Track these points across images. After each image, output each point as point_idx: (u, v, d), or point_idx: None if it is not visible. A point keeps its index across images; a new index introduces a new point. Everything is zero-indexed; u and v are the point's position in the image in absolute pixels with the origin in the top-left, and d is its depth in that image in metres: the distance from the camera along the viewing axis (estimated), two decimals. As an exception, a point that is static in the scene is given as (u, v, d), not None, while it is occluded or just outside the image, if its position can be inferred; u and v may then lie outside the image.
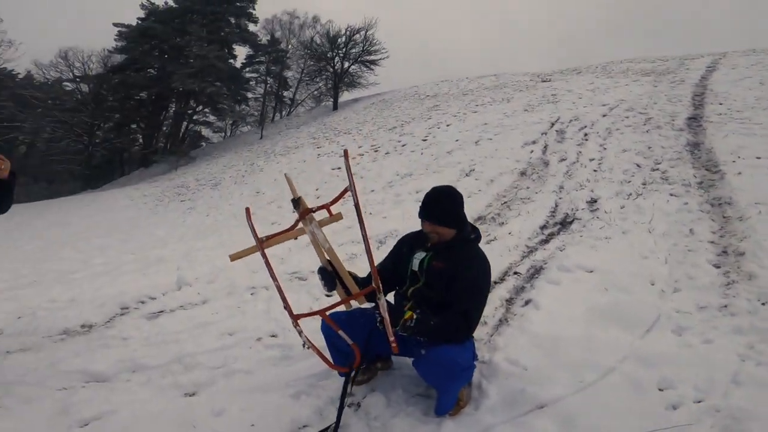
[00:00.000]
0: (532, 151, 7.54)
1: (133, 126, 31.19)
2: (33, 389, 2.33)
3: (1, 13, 20.12)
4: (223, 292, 3.82)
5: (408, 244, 2.30)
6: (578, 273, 3.36)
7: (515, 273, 3.57)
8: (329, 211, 2.09)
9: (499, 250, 4.09)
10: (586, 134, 7.93)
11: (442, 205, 2.13)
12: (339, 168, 10.40)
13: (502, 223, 4.99)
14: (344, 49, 27.41)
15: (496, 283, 3.40)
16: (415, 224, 2.27)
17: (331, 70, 27.69)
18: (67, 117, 28.17)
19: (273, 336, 2.93)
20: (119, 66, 29.00)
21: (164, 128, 31.33)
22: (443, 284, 2.08)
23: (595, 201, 5.13)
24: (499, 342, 2.50)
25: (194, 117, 31.25)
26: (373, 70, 28.62)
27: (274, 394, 2.22)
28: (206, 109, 30.59)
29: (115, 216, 12.24)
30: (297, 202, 2.04)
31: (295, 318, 1.97)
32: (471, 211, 5.53)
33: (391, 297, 2.23)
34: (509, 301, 3.10)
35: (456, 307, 2.00)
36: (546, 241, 4.26)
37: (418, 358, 2.01)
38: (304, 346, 2.07)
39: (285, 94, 34.77)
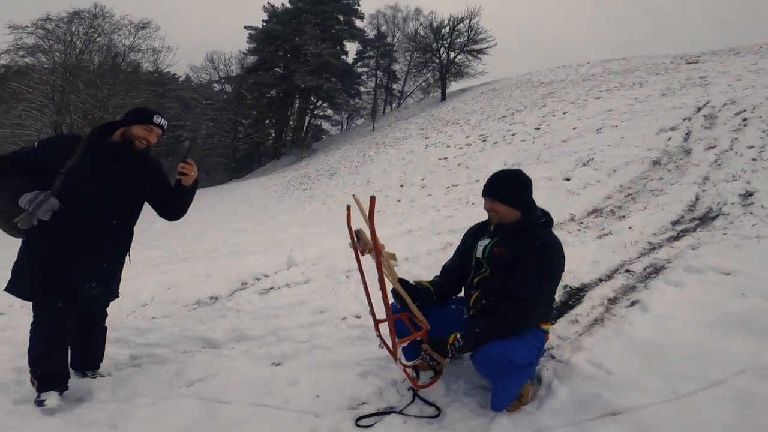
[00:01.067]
0: (669, 139, 6.52)
1: (267, 122, 34.81)
2: (164, 351, 2.72)
3: (153, 20, 23.13)
4: (323, 273, 4.00)
5: (473, 233, 2.19)
6: (710, 275, 2.82)
7: (627, 271, 3.15)
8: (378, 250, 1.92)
9: (612, 246, 3.67)
10: (744, 119, 6.60)
11: (504, 182, 2.00)
12: (446, 158, 10.25)
13: (622, 216, 4.39)
14: (449, 40, 26.87)
15: (602, 280, 3.11)
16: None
17: (437, 61, 27.35)
18: (217, 115, 32.59)
19: (357, 317, 3.02)
20: (253, 66, 32.42)
21: (291, 123, 34.44)
22: (505, 271, 1.92)
23: (751, 194, 4.23)
24: (586, 342, 2.24)
25: (315, 112, 33.77)
26: (480, 59, 27.68)
27: (345, 371, 2.29)
28: (324, 104, 32.80)
29: (251, 203, 13.71)
30: (358, 235, 1.94)
31: (376, 323, 2.09)
32: (585, 203, 5.02)
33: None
34: (612, 301, 2.77)
35: (514, 295, 1.85)
36: (676, 238, 3.66)
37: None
38: (379, 347, 2.13)
39: (394, 86, 35.52)
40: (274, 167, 27.06)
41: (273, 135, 35.10)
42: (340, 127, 37.45)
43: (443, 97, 26.14)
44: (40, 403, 2.01)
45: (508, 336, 1.82)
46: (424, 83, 31.91)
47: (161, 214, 2.21)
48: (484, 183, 2.06)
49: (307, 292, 3.60)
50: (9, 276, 2.00)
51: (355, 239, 1.92)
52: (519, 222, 1.97)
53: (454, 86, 28.38)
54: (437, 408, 1.97)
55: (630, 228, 3.97)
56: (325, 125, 36.70)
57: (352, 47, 33.81)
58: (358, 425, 1.88)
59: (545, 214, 2.04)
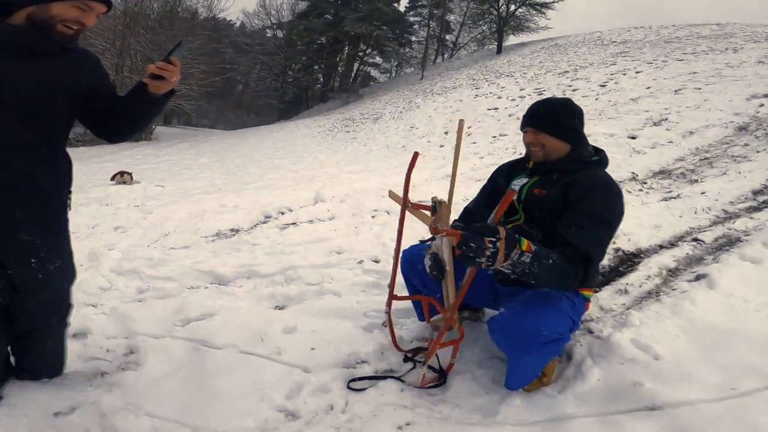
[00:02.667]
0: (761, 105, 5.53)
1: (316, 67, 34.31)
2: (172, 285, 2.48)
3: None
4: (349, 211, 3.71)
5: (505, 172, 1.77)
6: (796, 252, 2.23)
7: (695, 240, 2.61)
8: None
9: (679, 210, 3.10)
10: None
11: (552, 110, 1.59)
12: (495, 108, 9.47)
13: (695, 180, 3.74)
14: (509, -9, 24.14)
15: (662, 247, 2.60)
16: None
17: (495, 13, 24.89)
18: (268, 59, 33.03)
19: (375, 261, 2.70)
20: (303, 12, 31.74)
21: (339, 69, 33.68)
22: (546, 218, 1.49)
23: None
24: (635, 318, 1.80)
25: (364, 59, 32.76)
26: (544, 13, 24.78)
27: (349, 322, 2.01)
28: (374, 52, 31.62)
29: (294, 142, 13.60)
30: (436, 206, 1.42)
31: (391, 299, 1.72)
32: (652, 162, 4.37)
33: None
34: (672, 272, 2.28)
35: (567, 244, 1.37)
36: (757, 209, 3.04)
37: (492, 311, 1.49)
38: (383, 324, 1.87)
39: (447, 37, 33.05)
40: (320, 110, 26.78)
41: (321, 80, 34.65)
42: (388, 74, 36.18)
43: (499, 50, 23.96)
44: None
45: (566, 289, 1.43)
46: (479, 35, 29.50)
47: (97, 132, 1.45)
48: (524, 113, 1.65)
49: (329, 229, 3.30)
50: None
51: (433, 208, 1.42)
52: (568, 157, 1.58)
53: (512, 40, 25.94)
54: (443, 375, 1.66)
55: (703, 193, 3.33)
56: (374, 72, 35.74)
57: (405, -5, 31.82)
58: (349, 388, 1.61)
59: (598, 152, 1.65)
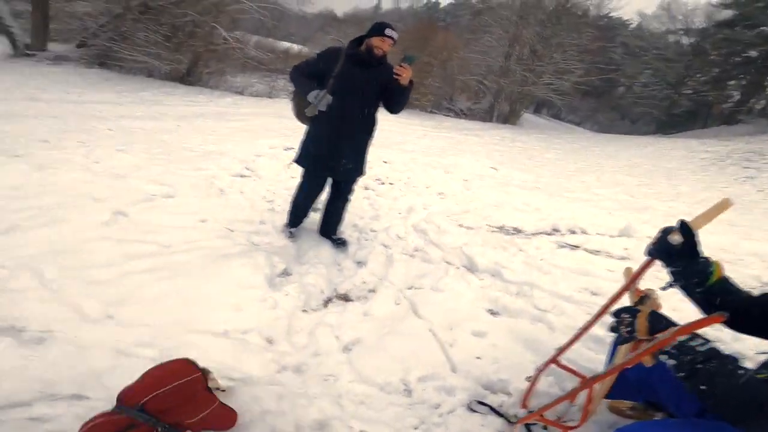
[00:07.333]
0: None
1: (731, 83, 26.63)
2: (432, 254, 2.93)
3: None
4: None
5: None
6: None
7: None
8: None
9: None
10: None
11: None
12: None
13: None
14: None
15: None
16: None
17: None
18: (662, 66, 28.18)
19: None
20: (726, 21, 24.65)
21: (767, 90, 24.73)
22: None
23: None
24: None
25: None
26: None
27: (533, 356, 1.84)
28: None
29: (657, 162, 11.29)
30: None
31: (551, 362, 1.59)
32: None
33: None
34: None
35: None
36: None
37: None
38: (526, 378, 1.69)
39: None
40: (718, 133, 20.79)
41: (736, 98, 26.61)
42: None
43: None
44: (286, 231, 2.88)
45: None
46: None
47: (385, 108, 2.50)
48: None
49: (593, 265, 2.86)
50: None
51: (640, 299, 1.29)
52: None
53: None
54: None
55: None
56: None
57: None
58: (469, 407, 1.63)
59: None
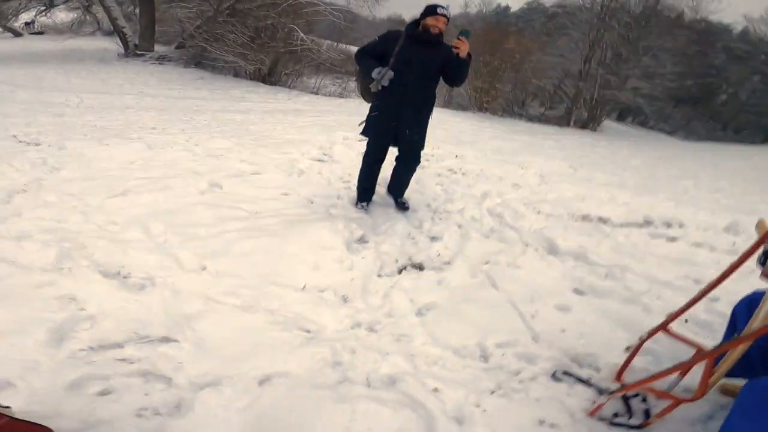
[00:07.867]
0: None
1: None
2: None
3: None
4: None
5: None
6: None
7: None
8: None
9: None
10: None
11: None
12: None
13: None
14: None
15: None
16: None
17: None
18: None
19: None
20: None
21: None
22: None
23: None
24: None
25: None
26: None
27: (625, 334, 1.55)
28: None
29: (754, 173, 10.15)
30: None
31: (659, 328, 1.43)
32: None
33: None
34: None
35: None
36: None
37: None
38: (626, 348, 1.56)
39: None
40: None
41: None
42: None
43: None
44: (359, 206, 2.96)
45: None
46: None
47: (446, 81, 2.67)
48: None
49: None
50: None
51: None
52: None
53: None
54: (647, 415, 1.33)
55: None
56: None
57: None
58: (553, 375, 1.54)
59: None
